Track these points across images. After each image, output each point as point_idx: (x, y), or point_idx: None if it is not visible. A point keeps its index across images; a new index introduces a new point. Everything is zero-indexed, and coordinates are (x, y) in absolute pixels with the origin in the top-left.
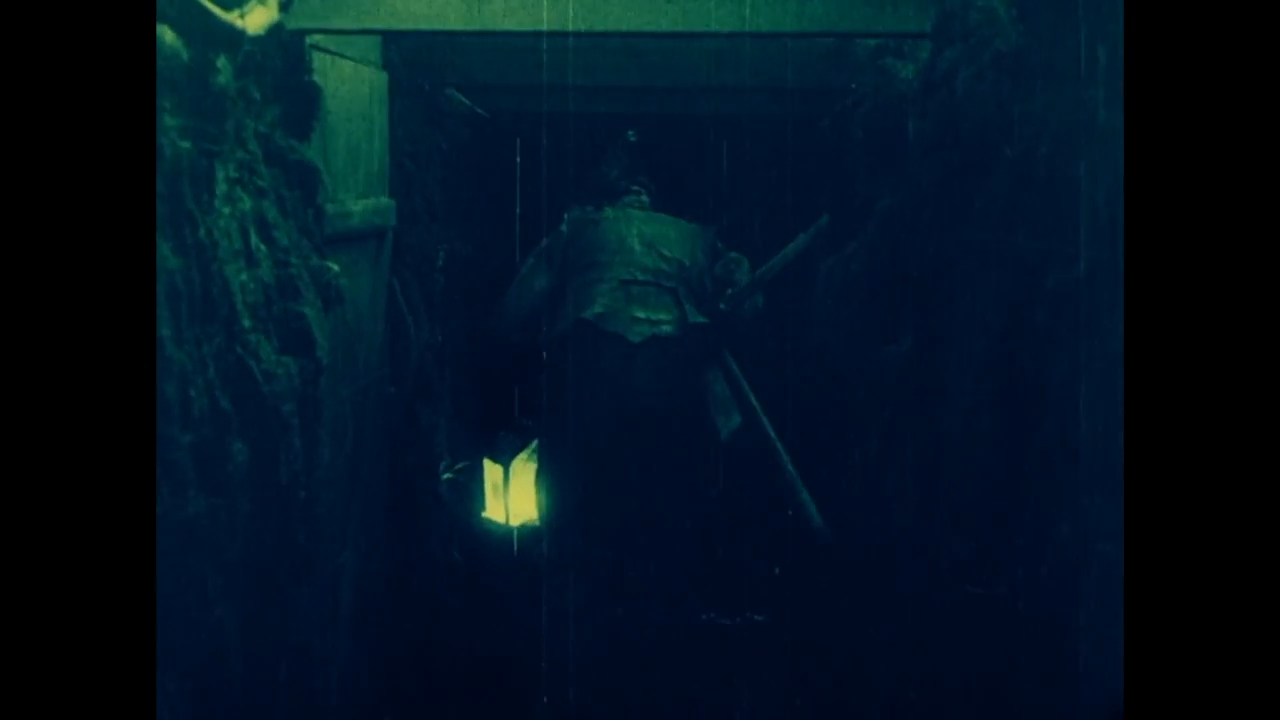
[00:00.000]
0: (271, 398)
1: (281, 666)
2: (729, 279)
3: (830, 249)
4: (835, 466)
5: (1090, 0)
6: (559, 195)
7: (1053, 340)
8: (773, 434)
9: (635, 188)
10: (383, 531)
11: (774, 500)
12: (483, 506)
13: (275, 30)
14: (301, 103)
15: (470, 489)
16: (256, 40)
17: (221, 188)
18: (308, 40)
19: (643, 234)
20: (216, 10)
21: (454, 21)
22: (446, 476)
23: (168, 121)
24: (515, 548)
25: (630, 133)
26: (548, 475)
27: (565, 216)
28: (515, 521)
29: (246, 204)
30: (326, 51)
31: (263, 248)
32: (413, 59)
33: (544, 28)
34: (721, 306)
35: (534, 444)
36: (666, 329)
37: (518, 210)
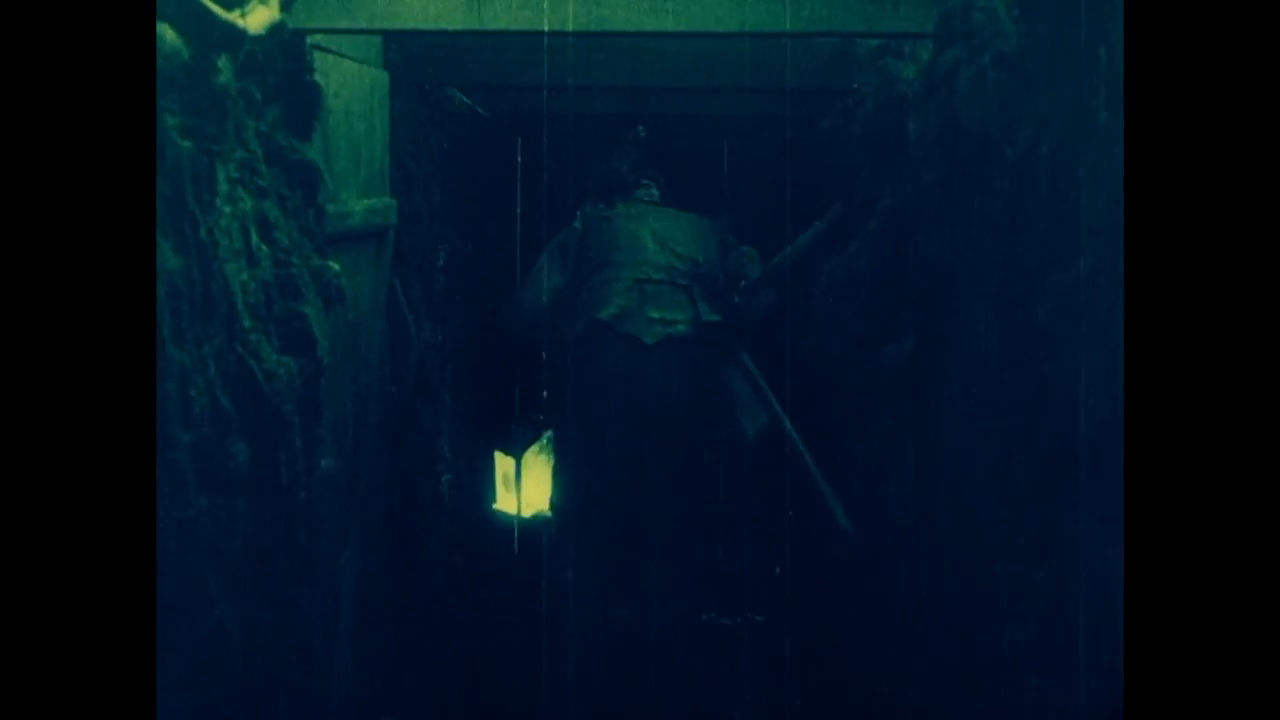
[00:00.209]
0: (272, 397)
1: (281, 666)
2: (741, 273)
3: (833, 248)
4: (836, 466)
5: (1091, 0)
6: (560, 194)
7: (1054, 340)
8: (794, 434)
9: (645, 181)
10: (383, 531)
11: (796, 500)
12: (494, 498)
13: (276, 30)
14: (303, 102)
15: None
16: (257, 40)
17: (222, 187)
18: (309, 40)
19: (656, 231)
20: (217, 10)
21: (455, 21)
22: (446, 478)
23: (168, 121)
24: (515, 547)
25: (640, 128)
26: (563, 473)
27: (579, 213)
28: (527, 512)
29: (247, 203)
30: (328, 51)
31: (263, 247)
32: (414, 59)
33: (544, 28)
34: (736, 300)
35: (546, 436)
36: (681, 329)
37: (518, 210)
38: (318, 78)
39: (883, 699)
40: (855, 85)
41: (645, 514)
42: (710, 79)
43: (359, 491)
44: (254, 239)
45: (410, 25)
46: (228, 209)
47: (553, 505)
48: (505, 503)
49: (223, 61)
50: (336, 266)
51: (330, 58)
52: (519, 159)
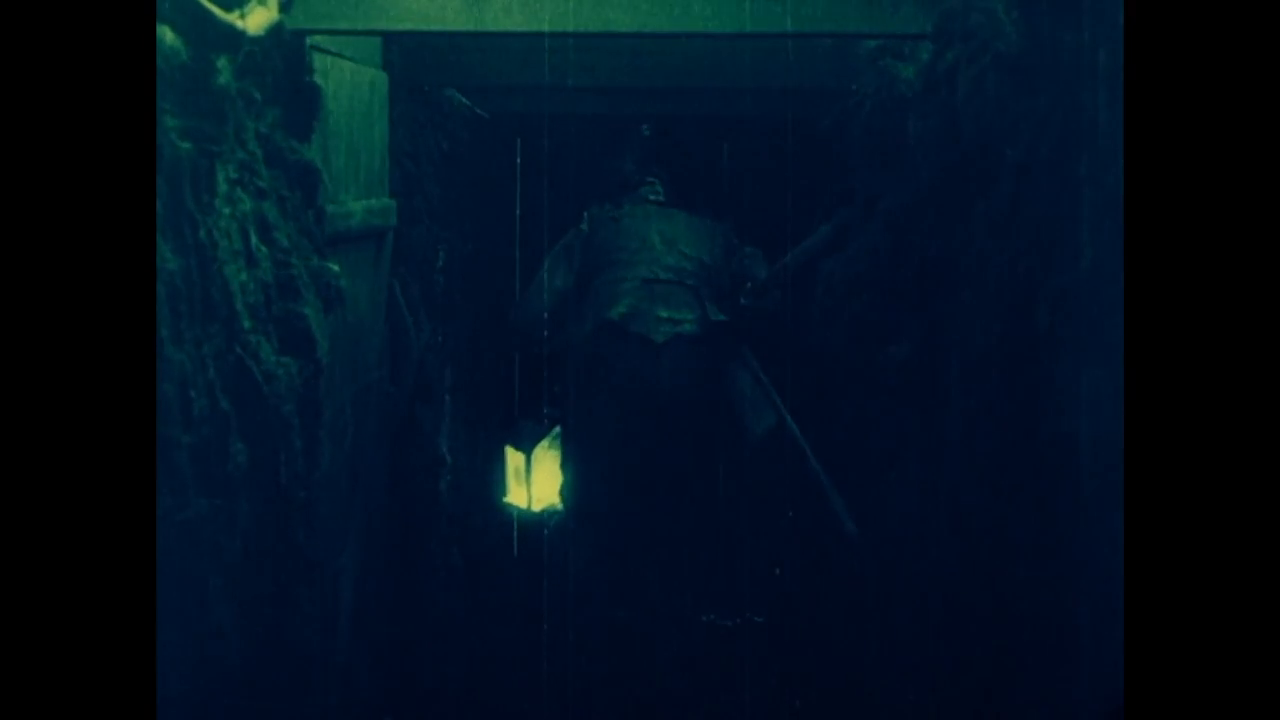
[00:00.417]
0: (271, 398)
1: (281, 667)
2: (747, 275)
3: (833, 249)
4: (839, 467)
5: (1091, 1)
6: (560, 195)
7: (1054, 340)
8: (799, 435)
9: (650, 180)
10: (383, 531)
11: (800, 503)
12: (504, 492)
13: (275, 31)
14: (302, 103)
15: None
16: (257, 41)
17: (222, 188)
18: (308, 41)
19: (662, 231)
20: (217, 11)
21: (454, 22)
22: (446, 478)
23: (168, 122)
24: (515, 548)
25: (644, 128)
26: (571, 473)
27: (585, 214)
28: (538, 507)
29: (247, 204)
30: (327, 52)
31: (263, 248)
32: (413, 59)
33: (544, 28)
34: (743, 301)
35: (555, 432)
36: (689, 328)
37: (518, 211)
38: (317, 79)
39: (882, 699)
40: (855, 86)
41: (651, 512)
42: (710, 80)
43: (358, 492)
44: (253, 240)
45: (409, 26)
46: (227, 210)
47: (563, 497)
48: (516, 496)
49: (222, 63)
50: (336, 267)
51: (330, 59)
52: (518, 160)
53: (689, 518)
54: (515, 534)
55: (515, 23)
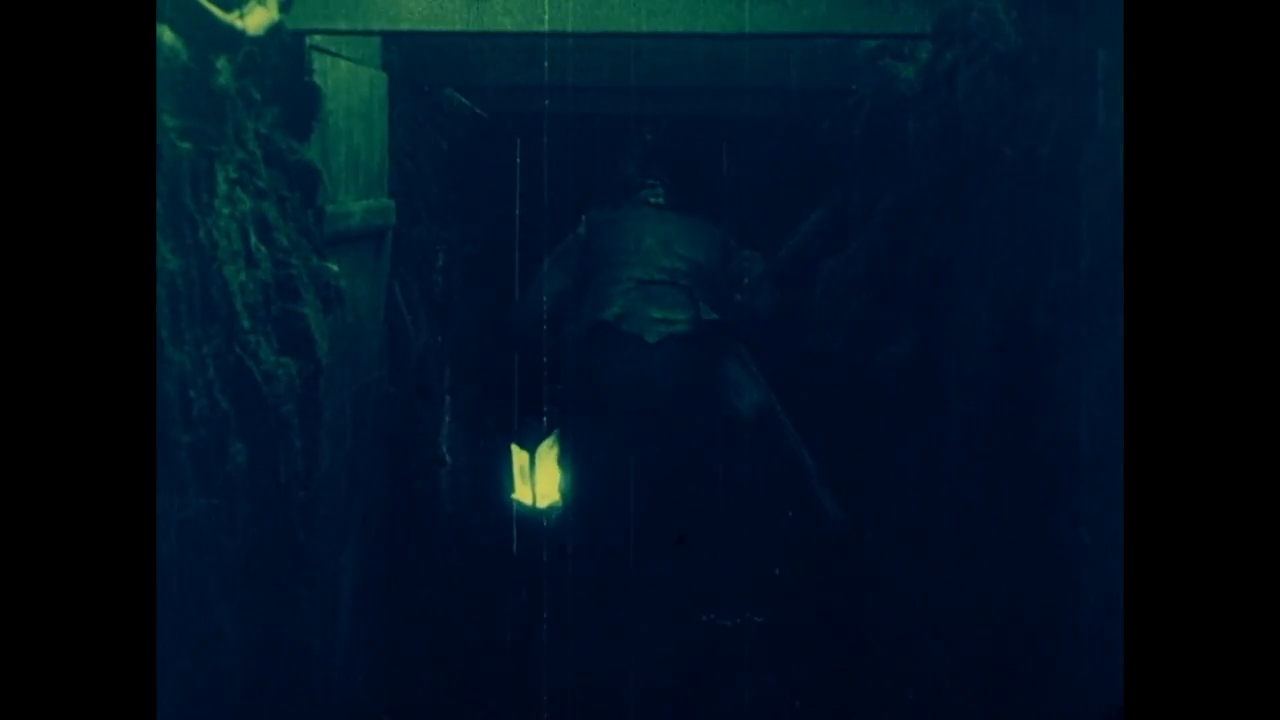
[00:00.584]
0: (271, 398)
1: (280, 666)
2: (744, 274)
3: (833, 236)
4: (837, 465)
5: (1090, 1)
6: (559, 195)
7: (1053, 340)
8: (789, 426)
9: (651, 182)
10: (382, 531)
11: (789, 492)
12: (511, 489)
13: (275, 31)
14: (301, 103)
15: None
16: (256, 41)
17: (221, 188)
18: (308, 41)
19: (658, 233)
20: (216, 11)
21: (454, 22)
22: (445, 479)
23: (167, 122)
24: (514, 547)
25: (646, 131)
26: (569, 472)
27: (584, 218)
28: (543, 504)
29: (246, 205)
30: (326, 52)
31: (262, 248)
32: (412, 60)
33: (544, 28)
34: (738, 298)
35: (557, 431)
36: (682, 328)
37: (517, 211)
38: (316, 79)
39: (881, 699)
40: (854, 86)
41: (647, 510)
42: (710, 80)
43: (358, 492)
44: (253, 240)
45: (409, 26)
46: (226, 210)
47: (563, 494)
48: (522, 494)
49: (221, 63)
50: (335, 268)
51: (329, 59)
52: (518, 160)
53: (685, 516)
54: (515, 532)
55: (514, 23)
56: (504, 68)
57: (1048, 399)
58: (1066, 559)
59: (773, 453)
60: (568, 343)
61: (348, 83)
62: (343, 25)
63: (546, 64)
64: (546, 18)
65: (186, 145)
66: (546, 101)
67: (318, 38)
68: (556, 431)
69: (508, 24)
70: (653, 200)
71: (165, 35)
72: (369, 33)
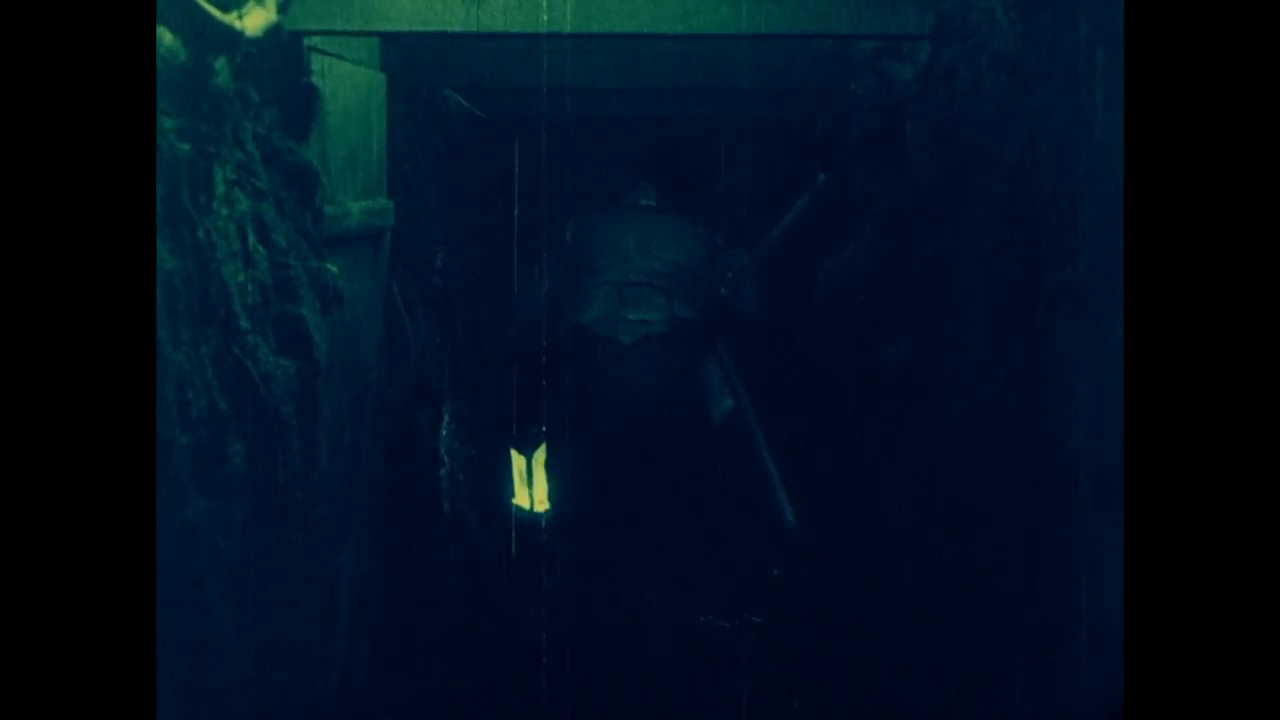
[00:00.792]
0: (269, 399)
1: (279, 667)
2: (728, 270)
3: (820, 221)
4: (835, 465)
5: (1090, 1)
6: (557, 196)
7: (1052, 340)
8: (757, 429)
9: (642, 186)
10: (381, 532)
11: (748, 496)
12: (512, 494)
13: (273, 32)
14: (300, 104)
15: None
16: (255, 41)
17: (219, 189)
18: (306, 42)
19: (639, 236)
20: (214, 11)
21: (452, 23)
22: (444, 479)
23: (166, 123)
24: (514, 547)
25: (636, 132)
26: (556, 476)
27: (568, 223)
28: (540, 509)
29: (244, 205)
30: (325, 53)
31: (261, 249)
32: (411, 60)
33: (543, 29)
34: (723, 291)
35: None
36: (659, 328)
37: (515, 211)
38: (315, 79)
39: (881, 699)
40: (853, 87)
41: (631, 512)
42: (708, 81)
43: (356, 493)
44: (251, 241)
45: (407, 27)
46: (225, 211)
47: (550, 500)
48: (521, 498)
49: (220, 63)
50: (334, 268)
51: (327, 59)
52: (516, 160)
53: (667, 516)
54: (513, 534)
55: (513, 23)
56: (503, 68)
57: (1046, 398)
58: (1066, 559)
59: (737, 459)
60: (549, 347)
61: (346, 83)
62: (341, 26)
63: (538, 65)
64: (544, 18)
65: (185, 146)
66: (545, 102)
67: (316, 38)
68: (545, 437)
69: (506, 24)
70: (643, 202)
71: (164, 36)
72: (367, 33)
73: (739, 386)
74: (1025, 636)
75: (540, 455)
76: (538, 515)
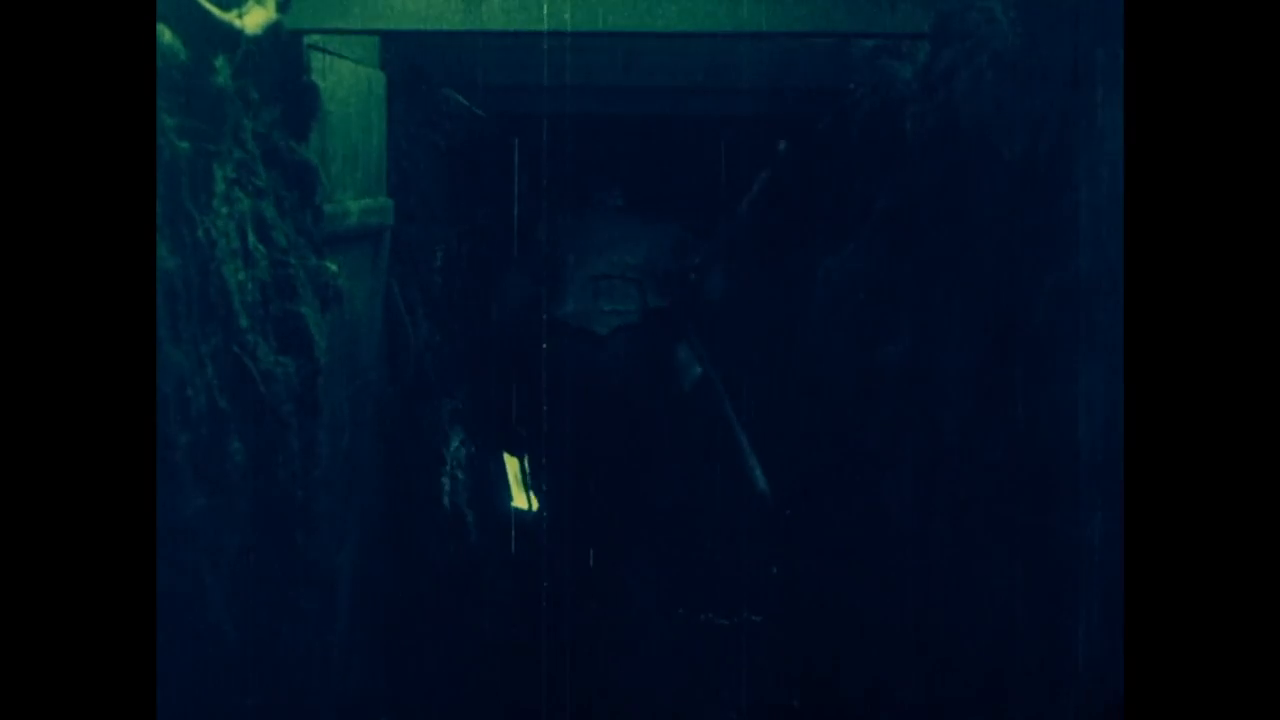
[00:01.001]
0: (269, 397)
1: (279, 665)
2: (696, 258)
3: (830, 248)
4: (835, 466)
5: (1089, 1)
6: (555, 194)
7: (1051, 339)
8: (727, 405)
9: (609, 189)
10: (381, 530)
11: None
12: (510, 496)
13: (273, 30)
14: (300, 103)
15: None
16: (255, 40)
17: (219, 187)
18: (306, 40)
19: (611, 233)
20: (214, 10)
21: (452, 22)
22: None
23: (166, 121)
24: (514, 546)
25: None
26: (546, 469)
27: (539, 224)
28: (538, 507)
29: (244, 204)
30: (325, 51)
31: (260, 247)
32: (411, 59)
33: (543, 28)
34: (691, 278)
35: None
36: (632, 318)
37: (515, 210)
38: (315, 78)
39: (879, 699)
40: (852, 86)
41: (611, 495)
42: (707, 80)
43: (356, 491)
44: (251, 239)
45: (408, 25)
46: (225, 209)
47: (538, 494)
48: (519, 500)
49: (220, 62)
50: (334, 267)
51: (327, 58)
52: (516, 159)
53: (650, 502)
54: (514, 532)
55: (513, 22)
56: (503, 67)
57: (1046, 397)
58: (1065, 558)
59: (710, 427)
60: (531, 343)
61: (346, 82)
62: (341, 24)
63: (546, 63)
64: (544, 17)
65: (185, 144)
66: (544, 100)
67: (316, 37)
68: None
69: (505, 23)
70: (611, 203)
71: (164, 34)
72: (367, 32)
73: (709, 365)
74: (1025, 635)
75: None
76: (537, 515)
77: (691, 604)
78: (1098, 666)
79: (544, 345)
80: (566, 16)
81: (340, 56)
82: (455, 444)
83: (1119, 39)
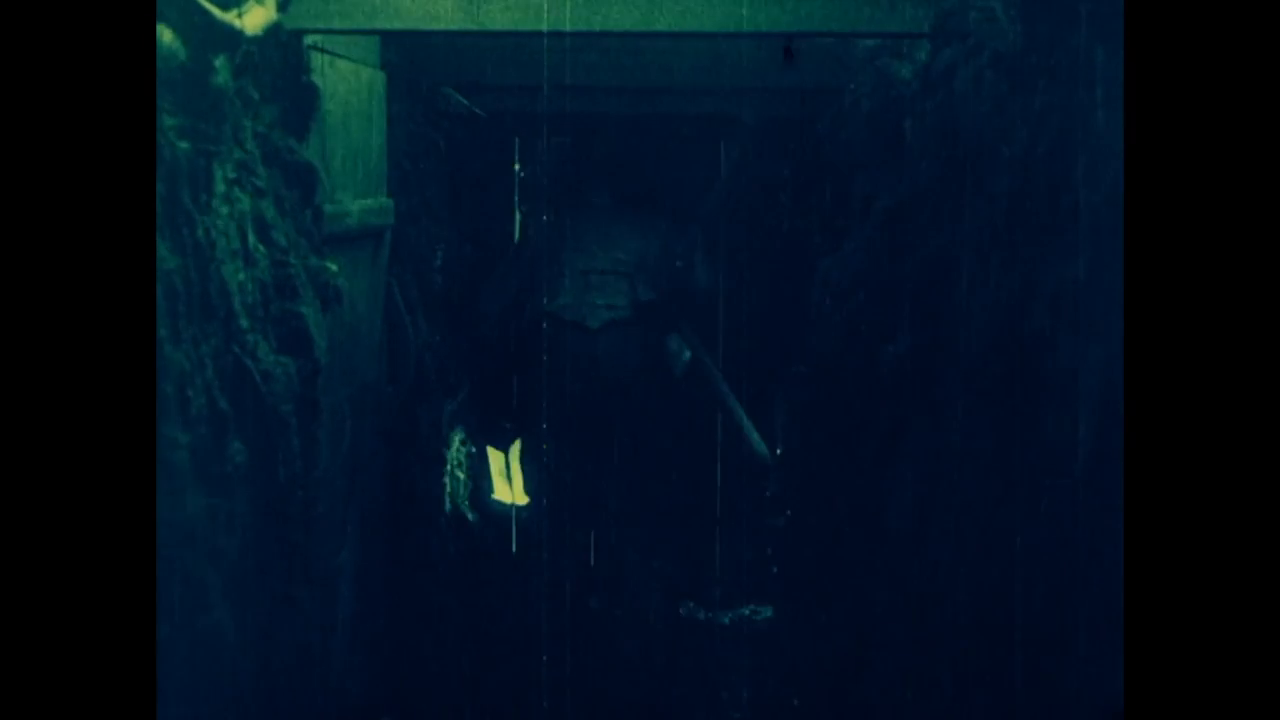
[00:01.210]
0: (270, 397)
1: (280, 665)
2: (680, 247)
3: (829, 248)
4: (835, 466)
5: (1089, 1)
6: (552, 193)
7: (1051, 339)
8: (721, 382)
9: (601, 187)
10: (381, 529)
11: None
12: (492, 490)
13: (273, 30)
14: (300, 103)
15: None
16: (254, 40)
17: (219, 187)
18: (306, 40)
19: (602, 229)
20: (214, 10)
21: (452, 21)
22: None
23: (166, 121)
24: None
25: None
26: (538, 464)
27: (529, 220)
28: (521, 502)
29: (244, 204)
30: (325, 51)
31: (261, 247)
32: (411, 59)
33: (543, 27)
34: (678, 264)
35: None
36: (623, 312)
37: (515, 209)
38: (315, 78)
39: (880, 699)
40: (852, 85)
41: (604, 485)
42: (707, 79)
43: (356, 491)
44: (251, 239)
45: (408, 25)
46: (225, 209)
47: (526, 490)
48: (502, 493)
49: (220, 62)
50: (334, 266)
51: (327, 58)
52: (516, 158)
53: (645, 492)
54: (497, 531)
55: (513, 22)
56: (503, 66)
57: (1046, 396)
58: (1065, 558)
59: (704, 404)
60: (521, 338)
61: (346, 82)
62: (341, 24)
63: (546, 63)
64: (544, 17)
65: (185, 144)
66: (544, 100)
67: (316, 37)
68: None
69: (505, 23)
70: (598, 201)
71: (164, 35)
72: (367, 32)
73: (701, 349)
74: (1026, 634)
75: (516, 450)
76: (518, 508)
77: (691, 598)
78: (1097, 668)
79: (541, 338)
80: (566, 17)
81: (340, 56)
82: (455, 444)
83: (1119, 39)
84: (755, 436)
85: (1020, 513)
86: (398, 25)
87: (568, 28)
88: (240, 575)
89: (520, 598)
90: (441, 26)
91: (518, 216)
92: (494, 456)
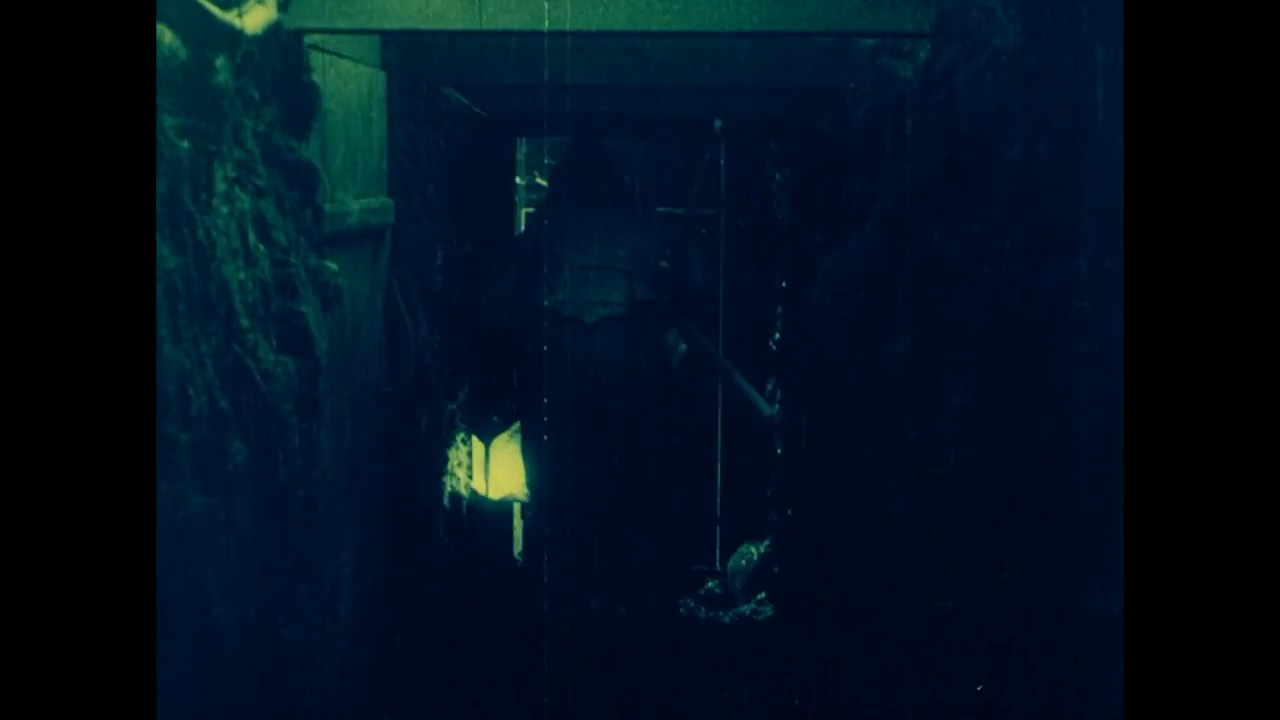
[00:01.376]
0: (270, 397)
1: (279, 665)
2: (672, 242)
3: (830, 247)
4: (835, 466)
5: (1089, 0)
6: (552, 192)
7: (1052, 339)
8: (722, 360)
9: (603, 185)
10: (381, 529)
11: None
12: (472, 479)
13: (274, 30)
14: (300, 102)
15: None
16: (255, 40)
17: (220, 187)
18: (306, 40)
19: (599, 226)
20: (215, 9)
21: (453, 21)
22: (444, 476)
23: (166, 121)
24: (516, 550)
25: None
26: (528, 451)
27: (530, 215)
28: (495, 495)
29: (245, 203)
30: (325, 51)
31: (261, 247)
32: (411, 58)
33: (544, 27)
34: (667, 265)
35: (515, 425)
36: (619, 310)
37: (515, 208)
38: (315, 77)
39: (879, 699)
40: (852, 85)
41: (599, 484)
42: (708, 79)
43: (357, 490)
44: (251, 239)
45: (408, 25)
46: (225, 209)
47: (528, 487)
48: (478, 484)
49: (220, 61)
50: (334, 266)
51: (328, 58)
52: (516, 158)
53: (642, 490)
54: (514, 526)
55: (514, 22)
56: (503, 66)
57: (1046, 396)
58: (1065, 558)
59: (703, 380)
60: (518, 333)
61: (347, 81)
62: (342, 24)
63: (546, 62)
64: (545, 16)
65: (185, 144)
66: (545, 100)
67: (316, 36)
68: (516, 425)
69: (506, 23)
70: (599, 198)
71: (164, 34)
72: (368, 31)
73: (698, 334)
74: (1026, 635)
75: (500, 443)
76: (498, 502)
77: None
78: (1098, 669)
79: (541, 334)
80: (567, 16)
81: (341, 56)
82: (456, 443)
83: (1119, 38)
84: (758, 397)
85: (1018, 512)
86: (398, 25)
87: (569, 27)
88: (240, 574)
89: (521, 596)
90: (442, 26)
91: (517, 214)
92: (477, 448)
